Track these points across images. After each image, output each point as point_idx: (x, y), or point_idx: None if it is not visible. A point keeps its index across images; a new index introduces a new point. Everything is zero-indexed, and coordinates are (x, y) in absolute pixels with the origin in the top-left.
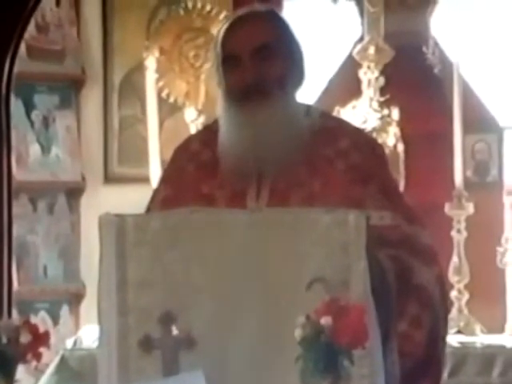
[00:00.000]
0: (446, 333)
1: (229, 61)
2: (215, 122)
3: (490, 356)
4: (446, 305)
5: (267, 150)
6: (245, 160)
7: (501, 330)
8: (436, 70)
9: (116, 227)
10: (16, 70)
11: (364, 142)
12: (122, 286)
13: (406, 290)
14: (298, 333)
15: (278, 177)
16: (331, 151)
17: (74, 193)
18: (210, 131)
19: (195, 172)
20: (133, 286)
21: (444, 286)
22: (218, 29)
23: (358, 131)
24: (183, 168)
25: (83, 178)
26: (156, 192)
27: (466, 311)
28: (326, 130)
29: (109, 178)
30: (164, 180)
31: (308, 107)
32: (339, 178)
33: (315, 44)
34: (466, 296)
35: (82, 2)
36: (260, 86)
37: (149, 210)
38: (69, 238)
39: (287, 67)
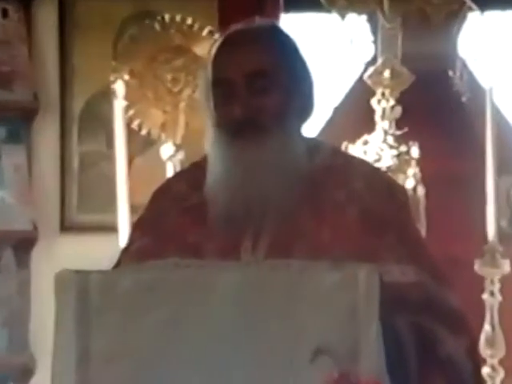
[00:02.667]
0: None
1: (219, 85)
2: (205, 158)
3: None
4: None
5: (260, 196)
6: (235, 206)
7: None
8: (464, 99)
9: (76, 287)
10: None
11: (381, 184)
12: (83, 361)
13: (430, 363)
14: None
15: (278, 226)
16: (342, 194)
17: (23, 245)
18: (198, 169)
19: (179, 218)
20: (97, 361)
21: (477, 361)
22: (210, 46)
23: (375, 171)
24: (165, 213)
25: (35, 227)
26: (129, 242)
27: None
28: (337, 169)
29: (66, 227)
30: (140, 227)
31: (316, 143)
32: (351, 227)
33: (319, 66)
34: (502, 374)
35: (34, 16)
36: (255, 121)
37: (119, 264)
38: (15, 300)
39: (289, 97)
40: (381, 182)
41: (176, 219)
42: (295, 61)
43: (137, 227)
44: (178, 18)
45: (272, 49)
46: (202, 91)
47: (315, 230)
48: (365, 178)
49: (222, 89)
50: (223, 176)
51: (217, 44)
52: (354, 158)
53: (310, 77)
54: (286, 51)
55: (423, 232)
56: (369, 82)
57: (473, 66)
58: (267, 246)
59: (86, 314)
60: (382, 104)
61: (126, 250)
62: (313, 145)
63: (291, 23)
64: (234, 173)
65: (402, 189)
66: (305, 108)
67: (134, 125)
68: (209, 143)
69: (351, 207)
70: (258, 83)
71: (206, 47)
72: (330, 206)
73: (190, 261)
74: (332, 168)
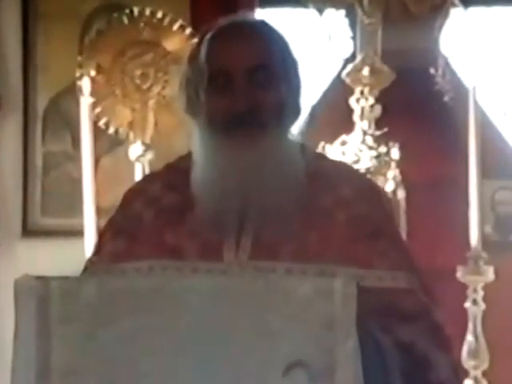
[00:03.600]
0: None
1: (216, 79)
2: (182, 159)
3: None
4: None
5: (256, 194)
6: (227, 204)
7: None
8: (447, 98)
9: (37, 295)
10: None
11: (368, 190)
12: (44, 375)
13: None
14: None
15: (263, 225)
16: (329, 200)
17: None
18: (175, 171)
19: (156, 219)
20: (57, 375)
21: (461, 379)
22: (200, 37)
23: (361, 177)
24: (138, 214)
25: None
26: (100, 245)
27: None
28: (323, 174)
29: (28, 231)
30: (112, 229)
31: (301, 145)
32: (339, 232)
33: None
34: None
35: None
36: (254, 115)
37: (88, 268)
38: None
39: (285, 95)
40: (369, 189)
41: (151, 220)
42: (289, 59)
43: (108, 229)
44: (147, 11)
45: (270, 44)
46: (184, 88)
47: (302, 233)
48: (352, 184)
49: (220, 81)
50: (215, 172)
51: (209, 37)
52: (339, 162)
53: (300, 77)
54: (281, 48)
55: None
56: (347, 79)
57: (456, 64)
58: (251, 246)
59: (47, 323)
60: (360, 103)
61: (96, 253)
62: (300, 147)
63: (267, 19)
64: (227, 169)
65: (387, 196)
66: (296, 107)
67: (101, 123)
68: (194, 141)
69: (339, 212)
70: (259, 77)
71: (176, 42)
72: (317, 210)
73: (166, 262)
74: (318, 172)
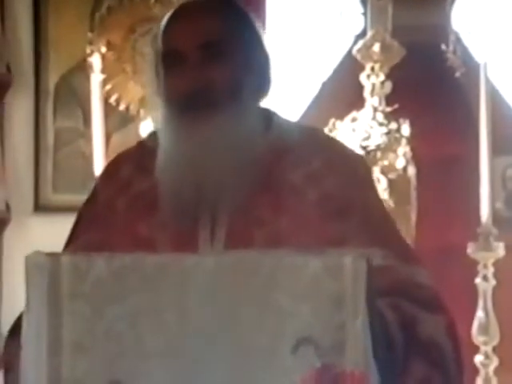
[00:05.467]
0: None
1: (170, 58)
2: (151, 137)
3: None
4: (461, 363)
5: (212, 176)
6: (185, 189)
7: None
8: (458, 74)
9: (48, 272)
10: None
11: (341, 161)
12: (55, 348)
13: (411, 346)
14: None
15: (235, 212)
16: (299, 176)
17: None
18: (144, 149)
19: (129, 208)
20: (68, 350)
21: (456, 338)
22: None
23: (335, 146)
24: (112, 203)
25: (8, 207)
26: (74, 234)
27: (494, 381)
28: (293, 147)
29: (40, 207)
30: (86, 218)
31: (271, 118)
32: (310, 212)
33: (305, 39)
34: (495, 362)
35: None
36: (207, 93)
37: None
38: None
39: (242, 72)
40: (341, 159)
41: (125, 210)
42: (249, 34)
43: (82, 217)
44: None
45: (224, 20)
46: (150, 65)
47: (273, 217)
48: (324, 156)
49: (174, 60)
50: (173, 155)
51: (168, 14)
52: (314, 132)
53: (266, 52)
54: (238, 23)
55: (413, 215)
56: (358, 56)
57: (467, 40)
58: (225, 235)
59: (57, 299)
60: (371, 79)
61: (70, 242)
62: (269, 120)
63: None
64: (183, 151)
65: (364, 163)
66: (261, 84)
67: (112, 100)
68: (160, 120)
69: (310, 190)
70: (211, 54)
71: None
72: (287, 191)
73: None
74: (290, 146)
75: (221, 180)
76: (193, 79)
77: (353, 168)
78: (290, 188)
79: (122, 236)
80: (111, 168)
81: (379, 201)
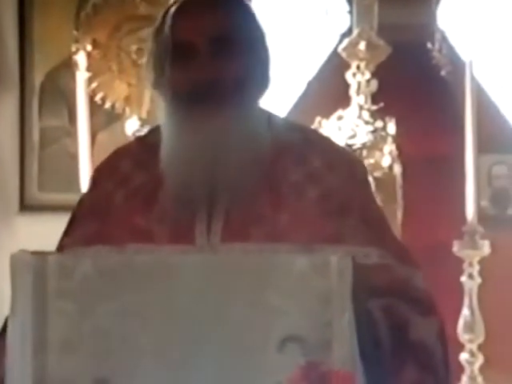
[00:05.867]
0: None
1: (178, 50)
2: (151, 133)
3: None
4: (450, 367)
5: (221, 170)
6: (191, 182)
7: None
8: (443, 72)
9: (33, 270)
10: None
11: (340, 161)
12: (41, 347)
13: (401, 348)
14: None
15: (233, 207)
16: (299, 175)
17: None
18: (144, 145)
19: (127, 201)
20: (54, 347)
21: (446, 343)
22: (164, 11)
23: (333, 147)
24: (110, 196)
25: None
26: (72, 227)
27: (480, 379)
28: (294, 146)
29: (26, 206)
30: (84, 211)
31: (269, 116)
32: (309, 210)
33: (291, 38)
34: (481, 359)
35: None
36: (216, 87)
37: (61, 250)
38: None
39: (250, 66)
40: (340, 159)
41: (122, 202)
42: (255, 32)
43: (79, 210)
44: None
45: (235, 15)
46: (151, 59)
47: (272, 213)
48: (323, 156)
49: (183, 53)
50: (181, 148)
51: (174, 8)
52: (311, 132)
53: (268, 49)
54: (247, 19)
55: (400, 213)
56: (343, 54)
57: (452, 39)
58: (222, 229)
59: (43, 298)
60: (357, 77)
61: (68, 235)
62: (269, 119)
63: None
64: (192, 144)
65: (362, 164)
66: (263, 80)
67: (98, 98)
68: (162, 115)
69: (310, 188)
70: (221, 48)
71: None
72: (287, 188)
73: (138, 246)
74: (289, 144)
75: (230, 173)
76: (203, 71)
77: (352, 168)
78: (289, 186)
79: (118, 227)
80: (110, 163)
81: (376, 202)
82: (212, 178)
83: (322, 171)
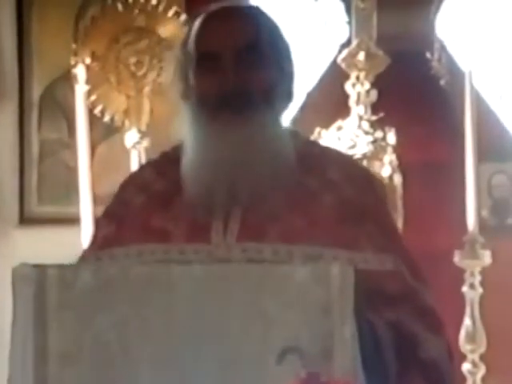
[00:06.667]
0: None
1: (205, 60)
2: (175, 149)
3: None
4: (454, 382)
5: (244, 174)
6: (216, 184)
7: None
8: (443, 82)
9: (34, 283)
10: None
11: (359, 175)
12: (41, 359)
13: (410, 365)
14: None
15: (250, 207)
16: (316, 183)
17: None
18: (166, 158)
19: (144, 204)
20: (55, 359)
21: (453, 361)
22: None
23: (353, 162)
24: (129, 200)
25: None
26: (97, 231)
27: None
28: (313, 158)
29: (25, 219)
30: (106, 216)
31: (291, 131)
32: (326, 214)
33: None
34: (483, 369)
35: None
36: (242, 95)
37: (86, 254)
38: None
39: (276, 77)
40: (359, 174)
41: (140, 205)
42: (280, 42)
43: (104, 216)
44: None
45: (259, 26)
46: (176, 68)
47: (288, 215)
48: (342, 169)
49: (209, 62)
50: (202, 152)
51: (201, 19)
52: (331, 149)
53: (293, 61)
54: (271, 31)
55: (400, 223)
56: (343, 64)
57: (451, 48)
58: (239, 228)
59: (44, 310)
60: (356, 88)
61: (93, 239)
62: (291, 133)
63: (263, 4)
64: (213, 149)
65: (380, 182)
66: (288, 92)
67: (97, 111)
68: (186, 125)
69: (327, 195)
70: (248, 57)
71: (171, 29)
72: (304, 193)
73: (154, 246)
74: (308, 157)
75: (256, 180)
76: (228, 80)
77: (369, 183)
78: (306, 191)
79: (136, 230)
80: (133, 174)
81: (391, 217)
82: (232, 180)
83: (339, 182)
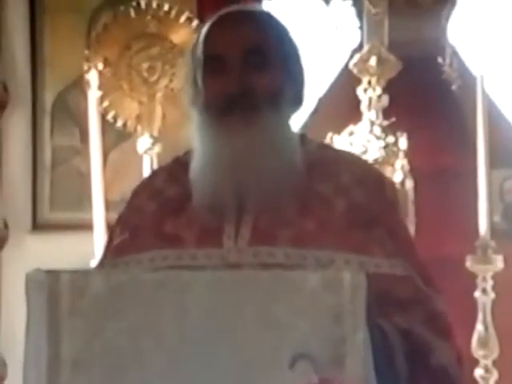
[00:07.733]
0: None
1: (211, 63)
2: (186, 153)
3: None
4: None
5: (250, 178)
6: (223, 188)
7: None
8: (454, 87)
9: (47, 289)
10: None
11: (370, 178)
12: (54, 365)
13: (420, 371)
14: None
15: (261, 212)
16: (329, 188)
17: None
18: (178, 163)
19: (156, 210)
20: (67, 366)
21: (463, 369)
22: (199, 27)
23: (365, 165)
24: (142, 207)
25: (5, 226)
26: (111, 239)
27: None
28: (324, 162)
29: (38, 225)
30: (119, 223)
31: (302, 136)
32: (337, 219)
33: (301, 54)
34: (495, 375)
35: (3, 3)
36: (248, 98)
37: (102, 261)
38: None
39: (283, 80)
40: (371, 177)
41: (153, 212)
42: (288, 46)
43: (117, 224)
44: (154, 4)
45: (268, 30)
46: (185, 73)
47: (299, 220)
48: (354, 173)
49: (216, 65)
50: (210, 156)
51: (209, 23)
52: (344, 152)
53: (302, 65)
54: (279, 34)
55: (412, 227)
56: (354, 70)
57: (463, 53)
58: (251, 232)
59: (57, 316)
60: (368, 93)
61: (107, 247)
62: (301, 137)
63: (273, 9)
64: (222, 152)
65: (392, 186)
66: (296, 96)
67: (109, 117)
68: (194, 129)
69: (338, 200)
70: (254, 60)
71: (183, 35)
72: (315, 198)
73: (166, 252)
74: (320, 161)
75: (262, 182)
76: (235, 83)
77: (381, 186)
78: (317, 196)
79: (148, 236)
80: (145, 180)
81: (403, 222)
82: (241, 185)
83: (350, 185)
